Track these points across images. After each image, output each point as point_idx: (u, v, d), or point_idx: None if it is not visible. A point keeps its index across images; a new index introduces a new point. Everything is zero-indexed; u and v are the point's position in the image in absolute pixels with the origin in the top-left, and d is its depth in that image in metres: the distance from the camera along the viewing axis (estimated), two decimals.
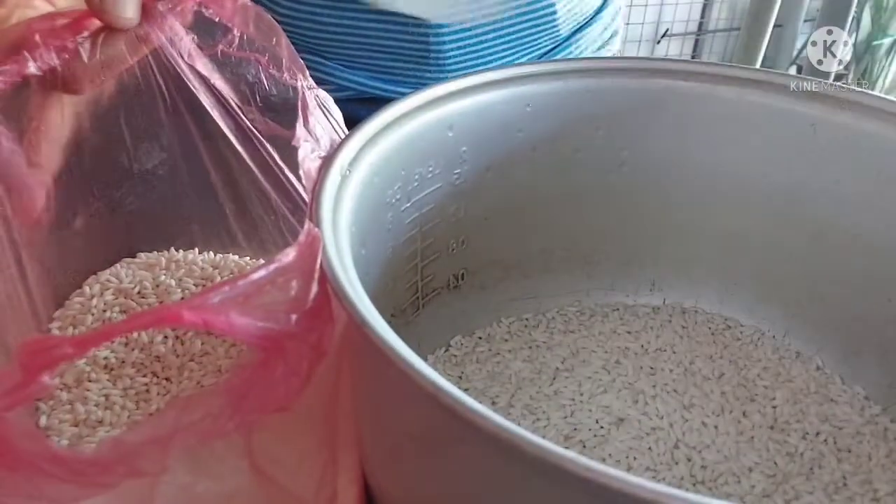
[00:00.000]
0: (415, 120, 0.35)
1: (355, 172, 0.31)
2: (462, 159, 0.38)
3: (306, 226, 0.25)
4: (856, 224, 0.40)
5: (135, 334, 0.37)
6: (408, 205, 0.36)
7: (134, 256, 0.44)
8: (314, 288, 0.24)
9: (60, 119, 0.34)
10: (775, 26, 1.72)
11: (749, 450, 0.37)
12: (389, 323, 0.23)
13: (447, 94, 0.36)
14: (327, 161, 0.30)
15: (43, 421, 0.33)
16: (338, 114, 0.38)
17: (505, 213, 0.42)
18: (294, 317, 0.24)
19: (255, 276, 0.23)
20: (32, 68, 0.30)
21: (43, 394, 0.20)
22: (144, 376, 0.36)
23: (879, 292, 0.40)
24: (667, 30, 1.98)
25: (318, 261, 0.25)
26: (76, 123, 0.37)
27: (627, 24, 1.91)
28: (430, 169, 0.37)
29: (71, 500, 0.23)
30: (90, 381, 0.36)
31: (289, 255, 0.24)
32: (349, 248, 0.27)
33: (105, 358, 0.37)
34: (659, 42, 1.99)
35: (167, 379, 0.37)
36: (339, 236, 0.27)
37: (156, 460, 0.23)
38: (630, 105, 0.41)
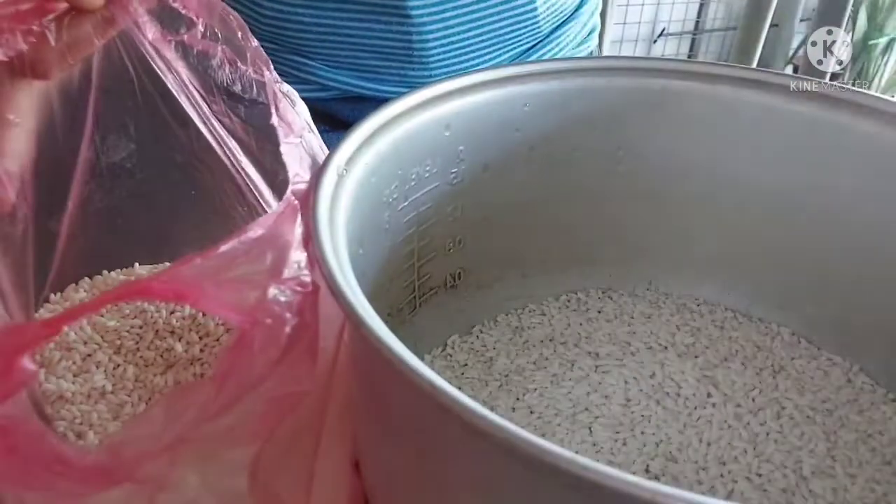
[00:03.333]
0: (412, 119, 0.35)
1: (352, 172, 0.31)
2: (459, 158, 0.38)
3: (286, 195, 0.25)
4: (853, 223, 0.40)
5: (150, 314, 0.37)
6: (405, 204, 0.36)
7: (111, 259, 0.44)
8: (291, 257, 0.24)
9: (30, 106, 0.33)
10: (771, 26, 1.72)
11: (751, 446, 0.37)
12: (386, 322, 0.23)
13: (444, 93, 0.36)
14: (325, 161, 0.30)
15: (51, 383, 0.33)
16: (303, 107, 0.37)
17: (502, 212, 0.42)
18: (270, 287, 0.23)
19: (227, 247, 0.23)
20: None
21: (29, 380, 0.20)
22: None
23: (876, 290, 0.40)
24: (663, 29, 1.98)
25: (297, 229, 0.24)
26: (48, 110, 0.36)
27: (624, 23, 1.91)
28: (428, 168, 0.37)
29: (79, 494, 0.23)
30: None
31: (263, 225, 0.24)
32: (346, 248, 0.27)
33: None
34: (655, 41, 1.99)
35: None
36: (336, 236, 0.27)
37: (156, 469, 0.23)
38: (627, 104, 0.41)
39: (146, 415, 0.24)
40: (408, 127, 0.35)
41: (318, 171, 0.29)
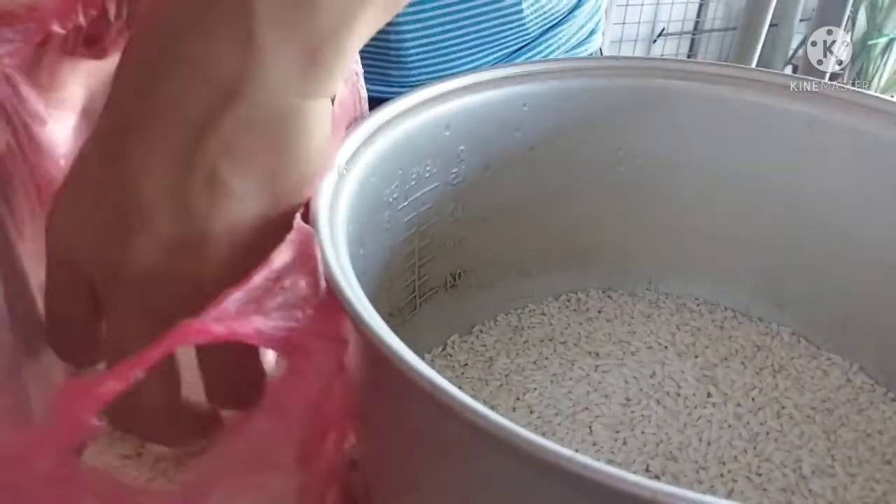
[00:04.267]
0: (412, 119, 0.35)
1: (352, 172, 0.31)
2: (459, 158, 0.38)
3: (296, 223, 0.25)
4: (852, 222, 0.40)
5: None
6: (405, 204, 0.36)
7: None
8: (322, 282, 0.25)
9: (83, 87, 0.32)
10: (771, 25, 1.72)
11: (751, 446, 0.37)
12: (387, 322, 0.23)
13: (444, 93, 0.36)
14: None
15: None
16: None
17: (502, 212, 0.42)
18: (311, 312, 0.24)
19: (259, 278, 0.23)
20: (56, 26, 0.28)
21: (94, 436, 0.20)
22: None
23: (875, 291, 0.40)
24: (663, 29, 1.98)
25: (319, 256, 0.25)
26: (99, 93, 0.34)
27: (623, 23, 1.91)
28: (428, 168, 0.37)
29: None
30: None
31: (283, 252, 0.24)
32: (346, 248, 0.27)
33: None
34: (655, 41, 2.00)
35: None
36: (336, 236, 0.27)
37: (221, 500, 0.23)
38: (627, 104, 0.41)
39: (206, 458, 0.24)
40: (408, 127, 0.35)
41: None
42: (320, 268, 0.25)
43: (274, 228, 0.25)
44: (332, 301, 0.24)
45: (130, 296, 0.25)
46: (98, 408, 0.20)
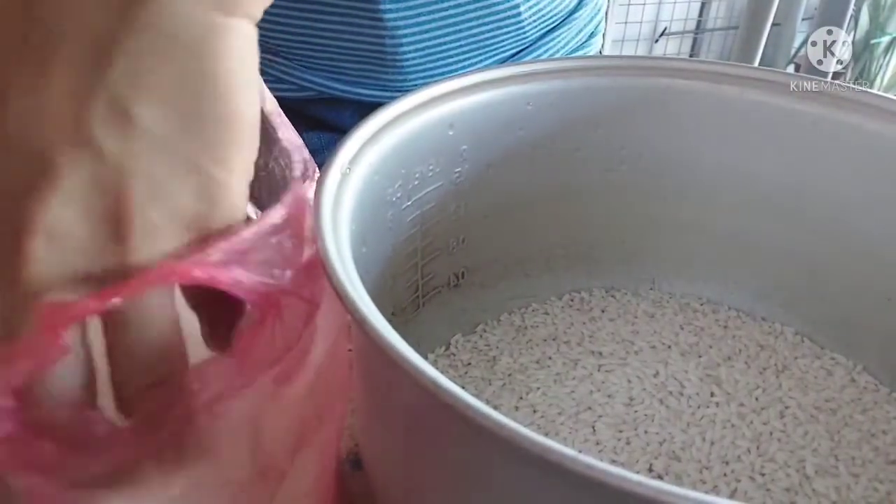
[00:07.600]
0: (415, 118, 0.35)
1: (356, 171, 0.31)
2: (462, 158, 0.38)
3: (294, 186, 0.25)
4: (856, 222, 0.40)
5: None
6: (408, 203, 0.36)
7: None
8: (306, 248, 0.25)
9: None
10: (773, 25, 1.72)
11: (754, 446, 0.37)
12: (390, 321, 0.23)
13: (448, 92, 0.36)
14: (328, 160, 0.30)
15: None
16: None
17: (505, 211, 0.42)
18: (288, 273, 0.24)
19: (248, 233, 0.23)
20: None
21: (63, 354, 0.20)
22: None
23: (879, 290, 0.40)
24: (665, 28, 1.98)
25: (308, 221, 0.26)
26: None
27: (625, 22, 1.91)
28: (431, 167, 0.37)
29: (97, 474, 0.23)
30: None
31: (278, 213, 0.24)
32: (349, 247, 0.27)
33: None
34: (657, 41, 1.99)
35: None
36: (339, 234, 0.27)
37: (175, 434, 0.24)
38: (630, 104, 0.41)
39: (165, 387, 0.25)
40: (411, 126, 0.35)
41: (321, 169, 0.29)
42: (307, 231, 0.25)
43: (201, 174, 0.22)
44: (311, 265, 0.25)
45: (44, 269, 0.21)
46: (69, 323, 0.20)
